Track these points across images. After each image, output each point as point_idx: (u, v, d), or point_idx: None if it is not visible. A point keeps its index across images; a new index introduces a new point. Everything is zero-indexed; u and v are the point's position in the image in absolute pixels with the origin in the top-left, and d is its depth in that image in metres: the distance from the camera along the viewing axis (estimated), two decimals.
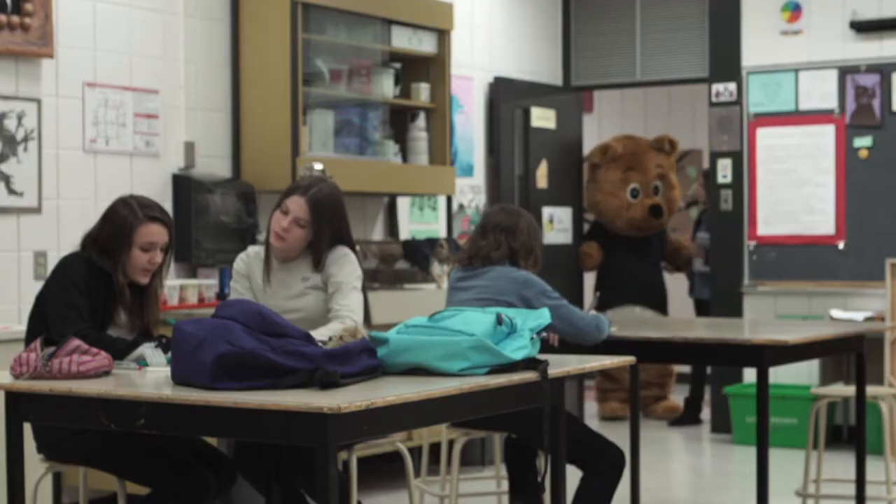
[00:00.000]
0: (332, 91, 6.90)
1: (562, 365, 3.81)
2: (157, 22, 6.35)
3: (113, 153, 6.13)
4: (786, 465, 6.97)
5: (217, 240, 6.36)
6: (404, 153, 7.35)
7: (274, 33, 6.54)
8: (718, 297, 8.56)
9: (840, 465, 6.87)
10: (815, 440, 6.04)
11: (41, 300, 4.11)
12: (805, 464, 5.85)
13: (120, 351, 3.86)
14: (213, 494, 3.97)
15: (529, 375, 3.60)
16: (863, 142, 8.16)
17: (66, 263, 4.10)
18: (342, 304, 4.29)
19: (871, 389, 5.90)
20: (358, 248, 4.55)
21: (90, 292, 4.02)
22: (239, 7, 6.66)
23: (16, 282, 5.72)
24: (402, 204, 7.80)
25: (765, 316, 8.29)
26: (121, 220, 4.08)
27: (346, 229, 4.43)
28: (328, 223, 4.34)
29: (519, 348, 3.65)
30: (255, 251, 4.50)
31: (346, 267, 4.34)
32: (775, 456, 5.88)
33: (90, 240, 4.12)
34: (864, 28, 8.12)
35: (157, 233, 4.10)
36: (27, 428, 3.57)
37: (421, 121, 7.42)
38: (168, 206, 6.28)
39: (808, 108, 8.32)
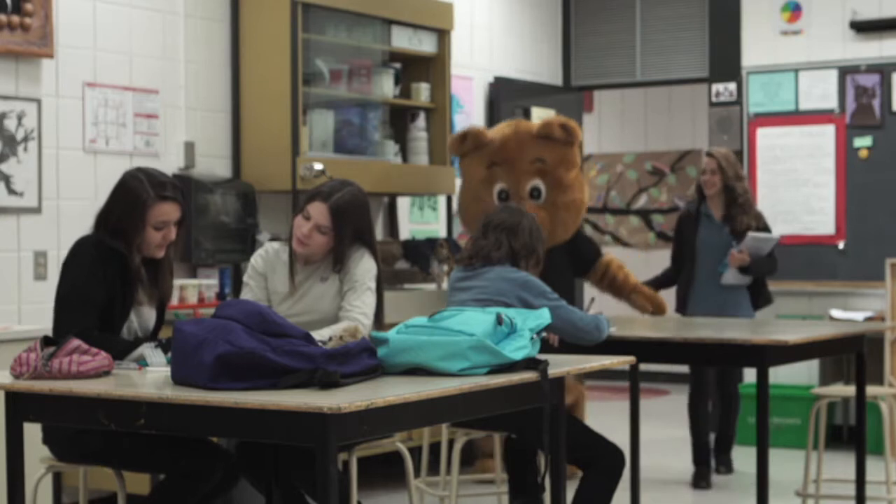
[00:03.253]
0: (332, 91, 6.90)
1: (562, 365, 3.81)
2: (157, 22, 6.35)
3: (113, 153, 6.13)
4: (786, 465, 6.96)
5: (217, 240, 6.36)
6: (404, 153, 7.35)
7: (274, 33, 6.54)
8: None
9: (840, 465, 6.87)
10: (815, 440, 6.03)
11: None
12: (805, 464, 5.85)
13: (120, 352, 3.85)
14: (219, 481, 3.95)
15: (529, 375, 3.60)
16: (863, 142, 8.16)
17: (75, 251, 4.05)
18: (354, 304, 4.30)
19: (871, 389, 5.90)
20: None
21: (105, 274, 3.98)
22: (239, 7, 6.66)
23: (16, 282, 5.72)
24: (402, 204, 7.80)
25: (765, 316, 8.29)
26: (132, 199, 4.00)
27: (367, 231, 4.44)
28: (349, 229, 4.35)
29: (519, 348, 3.65)
30: (274, 249, 4.49)
31: (363, 266, 4.36)
32: (775, 456, 5.89)
33: (103, 219, 4.06)
34: (864, 28, 8.12)
35: (169, 211, 4.04)
36: (27, 427, 3.57)
37: (421, 121, 7.42)
38: None
39: (808, 108, 8.32)
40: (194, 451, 3.92)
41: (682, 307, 6.95)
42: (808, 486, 5.88)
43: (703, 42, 8.77)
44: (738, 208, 6.85)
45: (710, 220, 6.91)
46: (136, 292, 4.05)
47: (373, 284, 4.36)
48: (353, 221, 4.35)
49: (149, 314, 4.13)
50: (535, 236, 4.91)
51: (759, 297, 6.93)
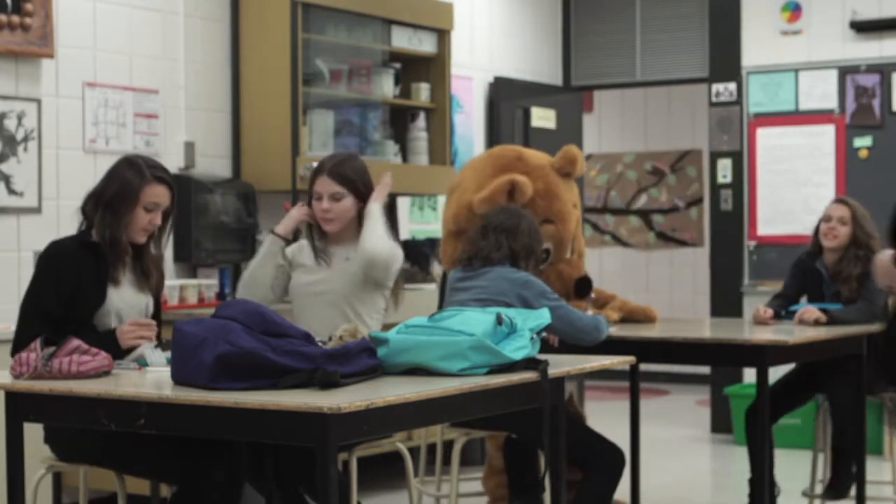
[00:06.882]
0: (332, 91, 6.90)
1: (562, 365, 3.81)
2: (157, 22, 6.35)
3: (113, 153, 6.12)
4: (790, 466, 6.96)
5: (217, 240, 6.36)
6: (404, 153, 7.35)
7: (274, 33, 6.55)
8: (719, 297, 8.56)
9: None
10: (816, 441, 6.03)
11: None
12: (812, 464, 5.85)
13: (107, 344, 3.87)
14: (226, 486, 3.96)
15: (529, 375, 3.60)
16: (863, 142, 8.16)
17: (39, 259, 4.09)
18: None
19: None
20: None
21: (79, 270, 4.01)
22: (239, 7, 6.66)
23: (16, 282, 5.72)
24: (402, 204, 7.80)
25: None
26: (128, 179, 4.09)
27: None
28: (361, 184, 4.45)
29: (519, 348, 3.65)
30: (300, 244, 4.59)
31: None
32: (780, 456, 5.88)
33: (93, 197, 4.11)
34: (864, 28, 8.12)
35: (161, 194, 4.12)
36: (28, 427, 3.57)
37: (421, 121, 7.42)
38: None
39: (808, 108, 8.32)
40: (195, 453, 3.92)
41: None
42: (815, 487, 5.87)
43: (702, 42, 8.77)
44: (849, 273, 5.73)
45: (823, 282, 5.84)
46: (116, 272, 4.07)
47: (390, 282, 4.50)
48: (358, 175, 4.45)
49: (132, 296, 4.13)
50: (534, 237, 4.91)
51: None
